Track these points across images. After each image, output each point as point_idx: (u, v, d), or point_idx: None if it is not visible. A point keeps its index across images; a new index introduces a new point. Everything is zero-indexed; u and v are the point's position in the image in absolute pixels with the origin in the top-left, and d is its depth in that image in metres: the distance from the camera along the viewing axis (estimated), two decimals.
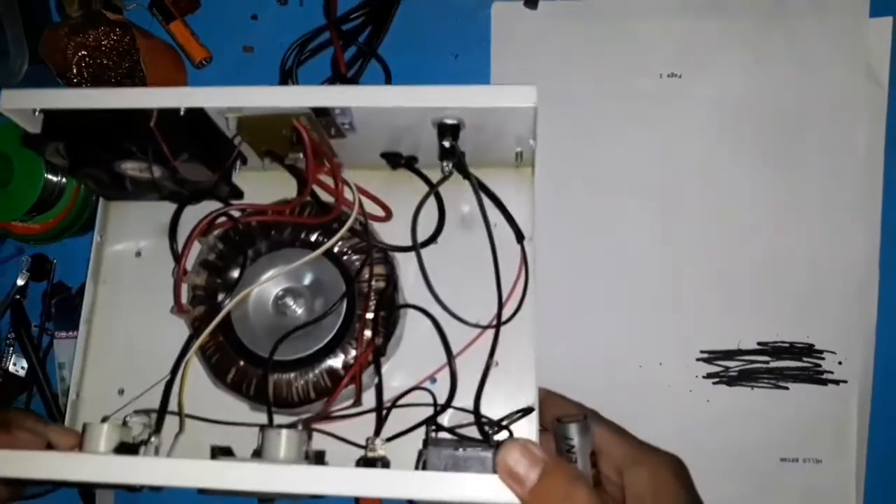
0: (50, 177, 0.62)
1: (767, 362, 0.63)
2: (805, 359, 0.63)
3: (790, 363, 0.63)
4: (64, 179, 0.63)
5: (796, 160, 0.63)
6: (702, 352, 0.63)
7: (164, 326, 0.56)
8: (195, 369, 0.55)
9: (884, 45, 0.63)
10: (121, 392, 0.57)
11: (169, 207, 0.57)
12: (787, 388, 0.63)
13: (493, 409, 0.52)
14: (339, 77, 0.63)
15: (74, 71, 0.62)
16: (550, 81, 0.65)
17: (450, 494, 0.43)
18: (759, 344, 0.63)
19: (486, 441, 0.48)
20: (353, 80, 0.64)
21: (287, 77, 0.65)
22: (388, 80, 0.64)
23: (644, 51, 0.65)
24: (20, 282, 0.68)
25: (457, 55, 0.67)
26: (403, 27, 0.65)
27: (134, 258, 0.59)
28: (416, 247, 0.54)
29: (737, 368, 0.63)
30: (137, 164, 0.53)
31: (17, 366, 0.69)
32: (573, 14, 0.65)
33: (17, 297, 0.68)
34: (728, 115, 0.64)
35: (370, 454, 0.48)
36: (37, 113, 0.51)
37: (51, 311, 0.68)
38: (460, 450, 0.46)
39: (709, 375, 0.63)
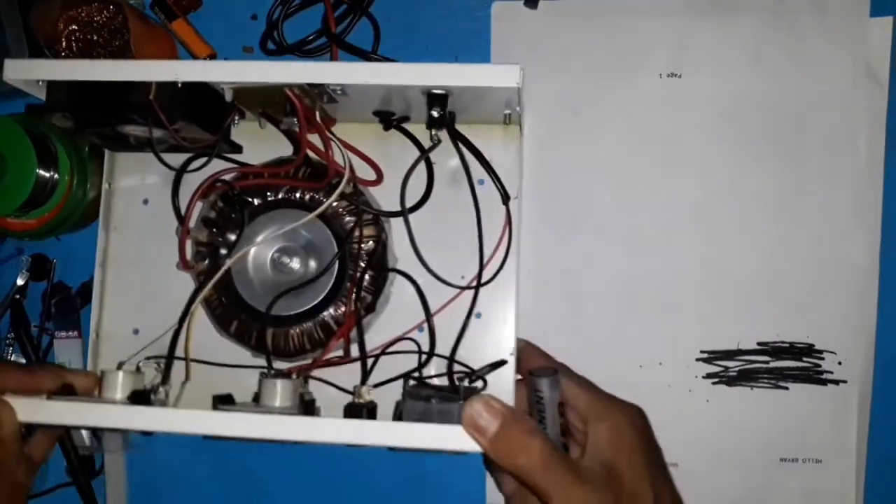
0: (42, 172, 0.62)
1: (767, 362, 0.63)
2: (805, 359, 0.62)
3: (790, 363, 0.63)
4: (56, 175, 0.63)
5: (796, 159, 0.63)
6: (702, 352, 0.63)
7: (173, 270, 0.62)
8: (203, 319, 0.60)
9: (884, 44, 0.63)
10: (135, 332, 0.63)
11: (173, 157, 0.60)
12: (786, 389, 0.63)
13: (477, 356, 0.59)
14: (327, 33, 0.64)
15: (63, 44, 0.62)
16: (550, 81, 0.65)
17: (421, 443, 0.49)
18: (758, 344, 0.63)
19: (457, 392, 0.53)
20: (341, 37, 0.64)
21: (272, 30, 0.65)
22: (377, 38, 0.65)
23: (644, 50, 0.65)
24: (20, 281, 0.68)
25: (457, 56, 0.66)
26: (403, 26, 0.65)
27: (142, 206, 0.64)
28: (404, 213, 0.58)
29: (736, 368, 0.63)
30: (139, 128, 0.56)
31: None
32: (573, 13, 0.65)
33: (17, 296, 0.68)
34: (728, 114, 0.64)
35: (357, 400, 0.54)
36: (41, 83, 0.54)
37: (50, 311, 0.68)
38: (433, 401, 0.50)
39: (708, 375, 0.63)
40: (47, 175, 0.62)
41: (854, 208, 0.62)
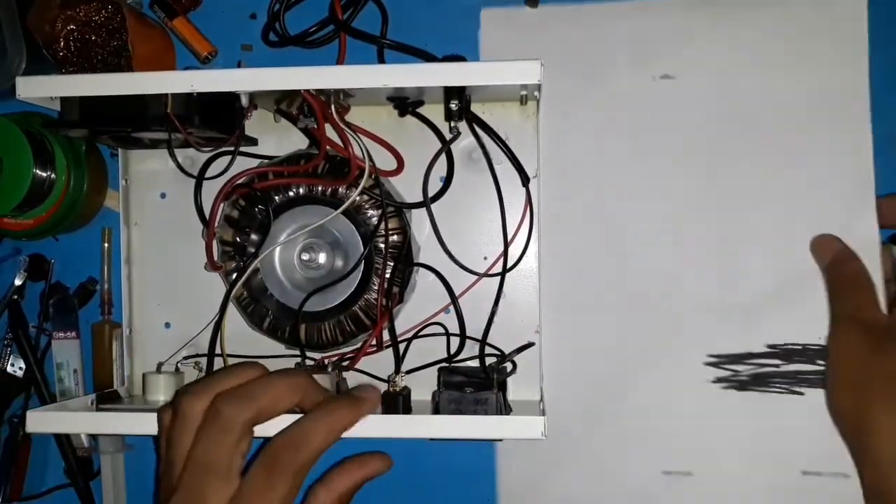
0: (38, 171, 0.61)
1: (779, 366, 0.61)
2: (819, 362, 0.60)
3: (804, 367, 0.61)
4: (53, 175, 0.63)
5: (800, 157, 0.62)
6: (709, 356, 0.62)
7: (198, 262, 0.63)
8: (234, 313, 0.62)
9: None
10: (167, 325, 0.65)
11: (187, 151, 0.62)
12: (801, 394, 0.61)
13: (501, 335, 0.60)
14: (334, 20, 0.64)
15: (61, 44, 0.62)
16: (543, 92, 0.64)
17: (461, 433, 0.53)
18: (768, 347, 0.61)
19: (489, 377, 0.56)
20: (348, 23, 0.64)
21: (274, 21, 0.65)
22: (385, 22, 0.64)
23: (639, 52, 0.63)
24: (18, 282, 0.68)
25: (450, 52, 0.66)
26: (401, 26, 0.65)
27: (159, 200, 0.65)
28: (427, 205, 0.60)
29: (747, 373, 0.61)
30: (155, 133, 0.58)
31: (15, 366, 0.68)
32: (561, 19, 0.64)
33: (15, 297, 0.68)
34: (728, 114, 0.62)
35: (392, 389, 0.56)
36: (53, 98, 0.56)
37: (48, 312, 0.68)
38: (468, 391, 0.54)
39: (718, 380, 0.62)
40: (44, 175, 0.62)
41: (861, 204, 0.61)
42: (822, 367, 0.60)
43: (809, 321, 0.60)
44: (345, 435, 0.51)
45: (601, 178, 0.64)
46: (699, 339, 0.62)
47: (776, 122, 0.62)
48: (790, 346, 0.61)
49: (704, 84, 0.63)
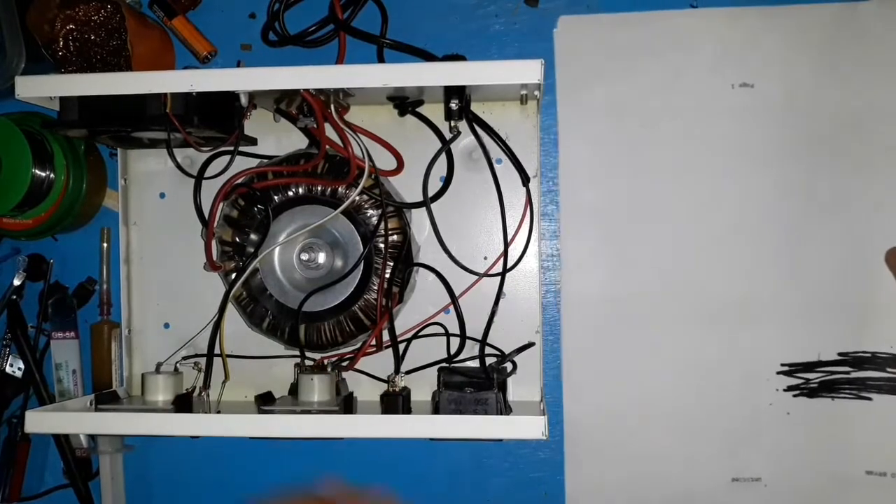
0: (37, 171, 0.61)
1: (849, 373, 0.61)
2: (889, 369, 0.61)
3: (873, 373, 0.61)
4: (52, 174, 0.62)
5: (874, 165, 0.62)
6: (782, 365, 0.62)
7: (197, 261, 0.63)
8: (233, 313, 0.62)
9: None
10: (166, 326, 0.65)
11: (186, 151, 0.63)
12: (870, 399, 0.61)
13: (502, 334, 0.60)
14: (334, 19, 0.64)
15: (61, 44, 0.62)
16: (617, 96, 0.64)
17: (461, 433, 0.52)
18: (839, 354, 0.62)
19: (489, 377, 0.56)
20: (348, 22, 0.64)
21: (274, 21, 0.65)
22: (385, 22, 0.64)
23: (714, 60, 0.63)
24: (17, 282, 0.68)
25: (455, 53, 0.66)
26: (401, 26, 0.65)
27: (158, 199, 0.65)
28: (427, 204, 0.60)
29: (817, 380, 0.62)
30: (155, 133, 0.58)
31: (14, 367, 0.68)
32: (638, 26, 0.64)
33: (14, 297, 0.68)
34: (800, 121, 0.62)
35: (392, 389, 0.56)
36: (52, 97, 0.56)
37: (47, 312, 0.68)
38: (468, 391, 0.54)
39: (789, 388, 0.62)
40: (43, 174, 0.62)
41: None
42: (891, 375, 0.61)
43: (880, 330, 0.61)
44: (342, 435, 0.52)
45: (667, 186, 0.64)
46: (772, 349, 0.62)
47: (852, 128, 0.62)
48: (860, 354, 0.61)
49: (779, 91, 0.63)
